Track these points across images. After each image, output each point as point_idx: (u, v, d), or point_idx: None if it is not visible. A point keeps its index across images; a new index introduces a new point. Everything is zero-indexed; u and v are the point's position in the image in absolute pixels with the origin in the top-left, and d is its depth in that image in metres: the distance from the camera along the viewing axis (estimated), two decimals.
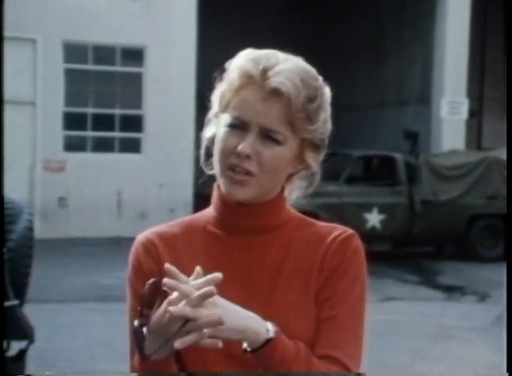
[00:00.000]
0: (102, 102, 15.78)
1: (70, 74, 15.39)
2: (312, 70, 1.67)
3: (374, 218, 13.42)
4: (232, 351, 1.58)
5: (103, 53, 15.78)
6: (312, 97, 1.63)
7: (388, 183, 13.87)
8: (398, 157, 14.04)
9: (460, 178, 14.01)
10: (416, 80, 18.82)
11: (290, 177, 1.72)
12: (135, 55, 15.86)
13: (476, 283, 11.96)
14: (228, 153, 1.62)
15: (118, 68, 15.80)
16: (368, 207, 13.38)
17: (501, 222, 12.99)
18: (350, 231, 1.72)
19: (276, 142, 1.62)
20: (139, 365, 1.55)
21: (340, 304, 1.65)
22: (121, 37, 15.36)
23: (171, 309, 1.43)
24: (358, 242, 1.71)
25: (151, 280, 1.50)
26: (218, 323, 1.43)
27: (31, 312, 4.39)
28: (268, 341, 1.51)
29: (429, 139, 17.62)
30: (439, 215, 13.70)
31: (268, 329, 1.52)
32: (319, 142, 1.69)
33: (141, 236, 1.74)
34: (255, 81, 1.61)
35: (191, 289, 1.45)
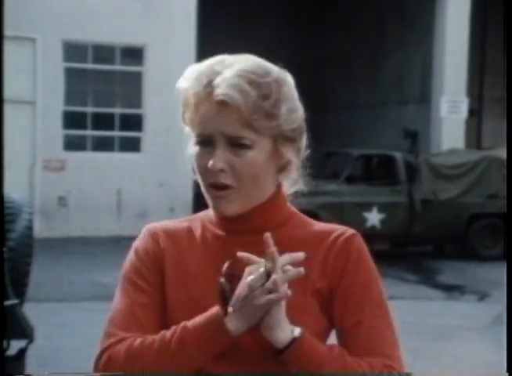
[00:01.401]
0: (102, 101, 15.78)
1: (69, 73, 15.39)
2: (262, 67, 1.65)
3: (374, 218, 13.42)
4: (233, 351, 1.59)
5: (103, 52, 15.77)
6: (266, 94, 1.61)
7: (388, 182, 13.86)
8: (398, 156, 14.04)
9: (460, 178, 14.00)
10: (415, 79, 18.81)
11: (282, 171, 1.71)
12: (134, 54, 15.86)
13: (476, 283, 11.96)
14: (204, 171, 1.64)
15: (118, 67, 15.80)
16: (368, 207, 13.38)
17: (501, 221, 13.00)
18: (351, 231, 1.71)
19: (246, 147, 1.62)
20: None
21: (361, 308, 1.65)
22: (121, 36, 15.36)
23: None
24: (360, 242, 1.70)
25: (226, 267, 1.57)
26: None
27: (31, 311, 4.39)
28: (294, 340, 1.55)
29: (429, 139, 17.62)
30: (439, 214, 13.70)
31: (293, 329, 1.56)
32: (291, 133, 1.67)
33: (148, 227, 1.77)
34: (203, 97, 1.62)
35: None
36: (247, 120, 1.60)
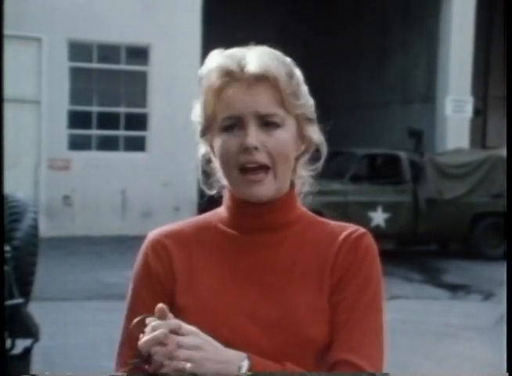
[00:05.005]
0: (107, 100, 15.79)
1: (74, 73, 15.40)
2: (278, 51, 1.68)
3: (379, 217, 13.41)
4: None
5: (108, 52, 15.79)
6: (291, 73, 1.65)
7: (393, 182, 13.85)
8: (403, 155, 14.03)
9: (465, 177, 14.00)
10: (420, 78, 18.80)
11: (299, 159, 1.71)
12: (139, 53, 15.87)
13: (480, 282, 11.95)
14: (234, 154, 1.61)
15: (123, 66, 15.81)
16: (372, 206, 13.37)
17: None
18: (362, 230, 1.71)
19: (276, 125, 1.62)
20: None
21: (353, 306, 1.63)
22: (126, 36, 15.37)
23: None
24: (370, 240, 1.71)
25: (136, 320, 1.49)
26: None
27: (36, 310, 4.39)
28: None
29: (434, 138, 17.61)
30: (444, 213, 13.69)
31: (242, 366, 1.50)
32: (311, 115, 1.70)
33: (151, 236, 1.72)
34: (236, 74, 1.61)
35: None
36: (280, 95, 1.61)
